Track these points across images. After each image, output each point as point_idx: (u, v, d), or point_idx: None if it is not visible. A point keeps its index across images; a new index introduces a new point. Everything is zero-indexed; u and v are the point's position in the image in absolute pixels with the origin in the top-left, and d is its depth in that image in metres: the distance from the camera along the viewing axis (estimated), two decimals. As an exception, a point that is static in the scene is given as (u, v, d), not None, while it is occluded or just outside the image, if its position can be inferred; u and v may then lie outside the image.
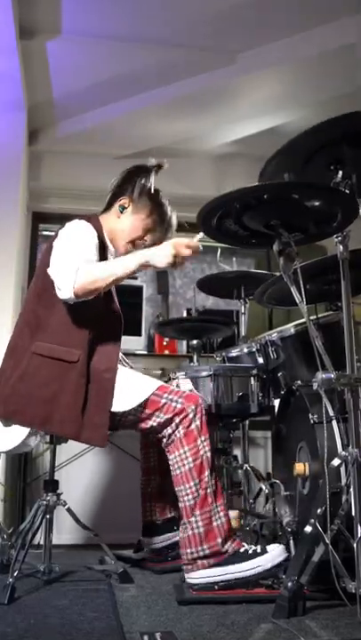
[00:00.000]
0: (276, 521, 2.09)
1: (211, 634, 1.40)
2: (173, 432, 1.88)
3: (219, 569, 1.77)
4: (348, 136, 1.65)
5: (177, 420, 1.87)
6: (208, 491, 1.83)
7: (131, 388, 1.91)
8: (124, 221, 2.05)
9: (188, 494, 1.83)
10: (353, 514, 1.49)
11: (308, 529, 1.54)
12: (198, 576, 1.77)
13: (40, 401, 1.84)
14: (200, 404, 1.91)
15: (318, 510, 1.54)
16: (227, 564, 1.77)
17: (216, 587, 1.74)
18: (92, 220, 2.01)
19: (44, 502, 1.95)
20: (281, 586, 1.57)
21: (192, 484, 1.83)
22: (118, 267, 1.87)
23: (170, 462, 1.90)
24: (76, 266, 1.81)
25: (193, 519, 1.81)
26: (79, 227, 1.95)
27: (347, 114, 1.59)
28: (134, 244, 2.06)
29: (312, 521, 1.53)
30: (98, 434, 1.85)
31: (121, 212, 2.06)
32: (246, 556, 1.78)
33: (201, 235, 1.91)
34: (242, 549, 1.81)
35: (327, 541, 1.47)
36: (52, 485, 1.99)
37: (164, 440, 1.90)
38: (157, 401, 1.90)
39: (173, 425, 1.88)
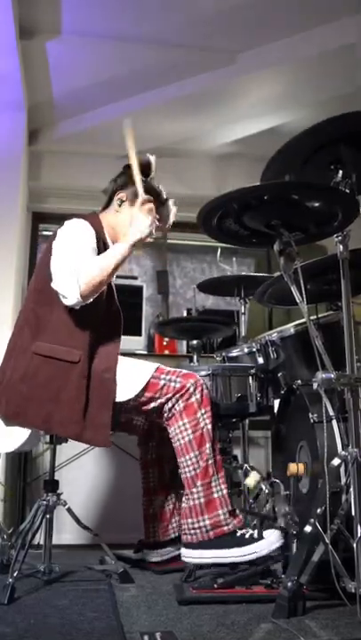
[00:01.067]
0: (276, 521, 2.09)
1: (211, 634, 1.40)
2: (173, 406, 1.91)
3: (215, 551, 1.78)
4: (348, 136, 1.65)
5: (177, 395, 1.90)
6: (209, 462, 1.85)
7: (130, 375, 1.93)
8: (124, 215, 2.06)
9: (188, 465, 1.85)
10: (353, 514, 1.49)
11: (307, 529, 1.54)
12: (194, 555, 1.79)
13: (41, 401, 1.84)
14: (199, 379, 1.94)
15: (318, 510, 1.54)
16: (223, 547, 1.78)
17: (215, 585, 1.74)
18: (91, 218, 2.01)
19: (44, 502, 1.95)
20: (281, 585, 1.57)
21: (192, 455, 1.85)
22: (112, 258, 1.88)
23: (170, 435, 1.92)
24: (76, 270, 1.82)
25: (194, 489, 1.83)
26: (77, 227, 1.96)
27: (346, 114, 1.59)
28: None
29: (312, 521, 1.53)
30: (101, 434, 1.85)
31: (119, 206, 2.07)
32: (243, 541, 1.79)
33: (127, 123, 1.96)
34: (239, 533, 1.81)
35: (327, 541, 1.47)
36: (52, 485, 1.99)
37: (165, 414, 1.93)
38: (156, 383, 1.92)
39: (173, 399, 1.90)
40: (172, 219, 2.13)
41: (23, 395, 1.85)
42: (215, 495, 1.83)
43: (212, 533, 1.80)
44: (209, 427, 1.89)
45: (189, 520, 1.83)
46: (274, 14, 2.98)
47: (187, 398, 1.90)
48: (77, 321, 1.90)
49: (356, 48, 3.06)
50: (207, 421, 1.89)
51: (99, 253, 1.94)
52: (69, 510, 2.01)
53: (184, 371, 1.99)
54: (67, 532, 2.58)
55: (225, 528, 1.81)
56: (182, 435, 1.89)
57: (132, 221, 1.93)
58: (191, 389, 1.91)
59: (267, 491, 2.25)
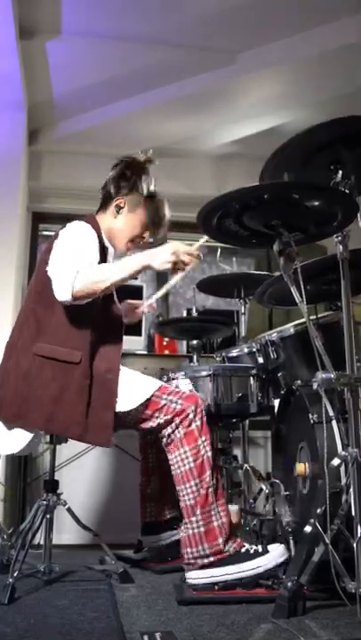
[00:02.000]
0: (277, 521, 2.09)
1: (211, 634, 1.40)
2: (173, 432, 1.88)
3: (219, 569, 1.77)
4: (346, 138, 1.65)
5: (177, 420, 1.88)
6: (209, 490, 1.83)
7: (132, 388, 1.92)
8: (122, 221, 2.05)
9: (188, 494, 1.83)
10: (353, 514, 1.49)
11: (308, 529, 1.54)
12: (198, 576, 1.77)
13: (42, 402, 1.84)
14: (200, 404, 1.91)
15: (318, 510, 1.54)
16: (227, 564, 1.77)
17: (216, 587, 1.74)
18: (91, 221, 2.01)
19: (44, 502, 1.95)
20: (281, 586, 1.57)
21: (193, 483, 1.83)
22: (118, 270, 1.87)
23: (170, 462, 1.90)
24: (75, 268, 1.81)
25: (194, 518, 1.81)
26: (80, 229, 1.95)
27: (343, 117, 1.58)
28: (133, 242, 2.07)
29: (312, 521, 1.53)
30: (103, 434, 1.85)
31: (117, 213, 2.06)
32: (247, 556, 1.78)
33: (204, 239, 1.91)
34: (243, 549, 1.81)
35: (327, 541, 1.47)
36: (52, 485, 1.99)
37: (164, 440, 1.91)
38: (157, 402, 1.90)
39: (173, 425, 1.88)
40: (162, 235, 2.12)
41: (24, 396, 1.85)
42: (215, 524, 1.81)
43: (213, 559, 1.78)
44: (209, 454, 1.86)
45: (189, 549, 1.81)
46: (274, 14, 2.98)
47: (187, 425, 1.87)
48: (77, 322, 1.90)
49: (356, 48, 3.05)
50: (207, 449, 1.87)
51: (99, 256, 1.94)
52: (69, 510, 2.01)
53: (187, 392, 1.96)
54: (67, 532, 2.58)
55: (226, 554, 1.79)
56: (183, 463, 1.86)
57: (161, 250, 1.88)
58: (191, 415, 1.88)
59: (267, 491, 2.26)
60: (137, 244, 2.08)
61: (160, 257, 1.86)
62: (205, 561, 1.78)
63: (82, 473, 2.93)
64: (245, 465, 2.55)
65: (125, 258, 1.96)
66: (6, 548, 2.06)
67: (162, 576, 2.04)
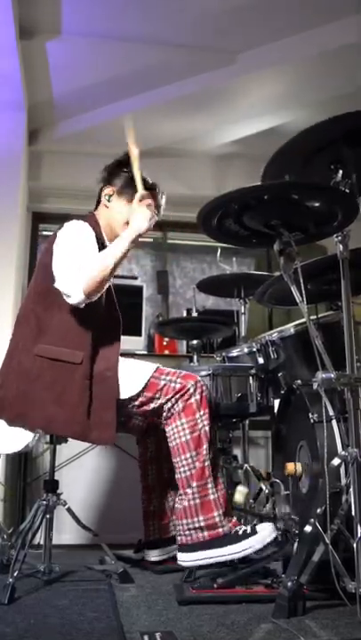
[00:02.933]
0: (276, 521, 2.09)
1: (211, 634, 1.40)
2: (173, 406, 1.91)
3: (209, 551, 1.78)
4: (348, 136, 1.64)
5: (177, 396, 1.90)
6: (206, 464, 1.84)
7: (130, 375, 1.94)
8: (115, 207, 2.07)
9: (184, 465, 1.85)
10: (353, 514, 1.49)
11: (308, 529, 1.54)
12: (190, 558, 1.79)
13: (44, 403, 1.84)
14: (199, 380, 1.94)
15: (318, 510, 1.54)
16: (218, 547, 1.78)
17: (215, 585, 1.74)
18: (89, 219, 2.02)
19: (44, 502, 1.95)
20: (281, 585, 1.57)
21: (188, 455, 1.85)
22: (114, 253, 1.88)
23: (167, 434, 1.92)
24: (78, 269, 1.82)
25: (189, 490, 1.83)
26: (77, 228, 1.96)
27: (346, 113, 1.58)
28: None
29: (312, 521, 1.53)
30: (106, 433, 1.86)
31: (108, 201, 2.08)
32: (237, 538, 1.79)
33: (129, 119, 1.95)
34: (232, 531, 1.81)
35: (327, 541, 1.47)
36: (52, 485, 1.99)
37: (164, 414, 1.93)
38: (156, 383, 1.93)
39: (173, 400, 1.91)
40: (162, 210, 2.12)
41: (26, 397, 1.86)
42: (211, 497, 1.83)
43: (207, 534, 1.80)
44: (207, 428, 1.89)
45: (184, 521, 1.82)
46: (274, 14, 2.98)
47: (186, 399, 1.90)
48: (78, 322, 1.91)
49: (356, 48, 3.05)
50: (205, 423, 1.89)
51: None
52: (69, 510, 2.01)
53: (184, 372, 1.99)
54: (67, 532, 2.58)
55: (220, 530, 1.80)
56: (179, 434, 1.89)
57: (130, 217, 1.92)
58: (191, 390, 1.91)
59: (267, 491, 2.26)
60: None
61: (138, 219, 1.89)
62: (200, 535, 1.79)
63: (82, 473, 2.93)
64: (245, 465, 2.55)
65: (114, 241, 1.95)
66: (6, 548, 2.06)
67: (162, 576, 2.04)
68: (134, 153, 1.97)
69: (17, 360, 1.92)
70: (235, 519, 1.87)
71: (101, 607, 1.62)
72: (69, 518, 2.03)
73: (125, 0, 2.89)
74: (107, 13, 2.96)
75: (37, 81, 3.36)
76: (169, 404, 1.92)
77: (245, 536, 1.79)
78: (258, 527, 1.82)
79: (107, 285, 1.90)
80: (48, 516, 1.95)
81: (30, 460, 2.98)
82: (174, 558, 2.05)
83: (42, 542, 1.97)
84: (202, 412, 1.90)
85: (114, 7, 2.91)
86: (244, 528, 1.82)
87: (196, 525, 1.80)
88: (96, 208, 2.13)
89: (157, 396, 1.93)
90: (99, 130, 3.72)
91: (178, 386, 1.92)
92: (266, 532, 1.79)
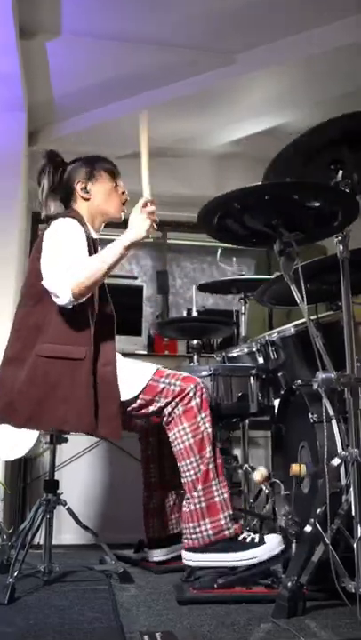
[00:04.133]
0: (276, 521, 2.09)
1: (211, 634, 1.40)
2: (173, 410, 1.90)
3: (215, 554, 1.78)
4: (349, 136, 1.65)
5: (177, 399, 1.90)
6: (210, 466, 1.85)
7: (129, 377, 1.93)
8: (96, 195, 2.08)
9: (189, 469, 1.85)
10: (353, 514, 1.49)
11: (308, 529, 1.54)
12: (195, 558, 1.79)
13: (54, 402, 1.83)
14: (199, 382, 1.93)
15: (318, 510, 1.54)
16: (224, 551, 1.78)
17: (215, 585, 1.74)
18: (75, 215, 2.01)
19: (44, 502, 1.95)
20: (281, 585, 1.57)
21: (193, 459, 1.85)
22: (107, 258, 1.86)
23: (170, 439, 1.92)
24: (67, 269, 1.81)
25: (195, 494, 1.83)
26: (64, 226, 1.94)
27: (347, 114, 1.58)
28: (120, 201, 2.12)
29: (312, 521, 1.53)
30: (113, 426, 1.85)
31: (86, 192, 2.08)
32: (244, 546, 1.79)
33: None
34: (240, 536, 1.82)
35: (327, 541, 1.47)
36: (52, 485, 1.99)
37: (165, 419, 1.92)
38: (155, 386, 1.92)
39: (173, 403, 1.90)
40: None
41: (34, 399, 1.83)
42: (216, 499, 1.83)
43: (214, 538, 1.81)
44: (209, 430, 1.89)
45: (190, 524, 1.83)
46: (274, 14, 2.98)
47: (186, 402, 1.89)
48: (77, 318, 1.89)
49: (356, 48, 3.05)
50: (207, 425, 1.89)
51: (88, 248, 1.93)
52: (69, 510, 2.01)
53: (184, 374, 1.98)
54: (67, 532, 2.58)
55: (226, 532, 1.81)
56: (182, 439, 1.88)
57: (130, 222, 1.91)
58: (191, 393, 1.90)
59: (267, 491, 2.25)
60: (123, 201, 2.12)
61: (137, 226, 1.88)
62: (206, 538, 1.79)
63: (82, 473, 2.93)
64: (245, 465, 2.55)
65: (110, 244, 1.95)
66: (6, 548, 2.06)
67: (162, 576, 2.04)
68: (145, 152, 1.96)
69: (15, 363, 1.89)
70: (240, 522, 1.87)
71: (101, 607, 1.62)
72: (69, 518, 2.03)
73: (125, 0, 2.88)
74: (107, 13, 2.95)
75: (37, 81, 3.36)
76: (169, 408, 1.91)
77: (253, 545, 1.79)
78: (266, 538, 1.82)
79: (96, 287, 1.88)
80: (48, 516, 1.95)
81: (30, 460, 2.98)
82: (177, 558, 2.05)
83: (42, 542, 1.97)
84: (203, 415, 1.89)
85: (114, 7, 2.91)
86: (252, 536, 1.82)
87: (203, 528, 1.80)
88: (68, 206, 2.11)
89: (157, 398, 1.92)
90: (99, 130, 3.72)
91: (177, 389, 1.91)
92: (273, 544, 1.79)
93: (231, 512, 1.84)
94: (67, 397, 1.83)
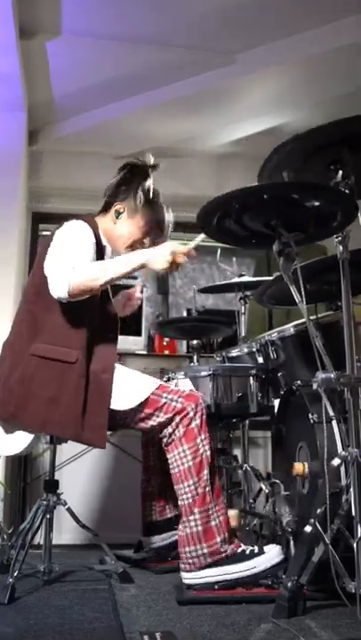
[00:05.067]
0: (277, 521, 2.09)
1: (211, 634, 1.40)
2: (173, 431, 1.88)
3: (215, 569, 1.77)
4: (348, 139, 1.64)
5: (177, 419, 1.88)
6: (207, 489, 1.83)
7: (131, 387, 1.92)
8: (122, 227, 2.05)
9: (186, 492, 1.84)
10: (353, 514, 1.49)
11: (308, 529, 1.54)
12: (195, 576, 1.78)
13: (39, 403, 1.84)
14: (200, 402, 1.92)
15: (318, 510, 1.54)
16: (223, 565, 1.78)
17: (216, 586, 1.74)
18: (88, 220, 2.00)
19: (44, 502, 1.95)
20: (281, 585, 1.57)
21: (191, 482, 1.84)
22: (114, 267, 1.86)
23: (169, 460, 1.90)
24: (71, 265, 1.81)
25: (192, 517, 1.82)
26: (76, 227, 1.95)
27: (347, 118, 1.58)
28: (133, 247, 2.06)
29: (312, 521, 1.53)
30: (98, 435, 1.85)
31: (117, 218, 2.05)
32: (243, 557, 1.79)
33: (202, 236, 1.91)
34: (239, 550, 1.81)
35: (327, 541, 1.47)
36: (52, 485, 1.99)
37: (165, 439, 1.91)
38: (157, 400, 1.90)
39: (174, 424, 1.88)
40: (171, 226, 2.12)
41: (21, 396, 1.85)
42: (212, 523, 1.81)
43: (210, 560, 1.79)
44: (208, 453, 1.87)
45: (187, 548, 1.81)
46: (274, 14, 2.98)
47: (187, 424, 1.88)
48: (74, 321, 1.89)
49: (356, 48, 3.05)
50: (206, 447, 1.87)
51: (96, 254, 1.94)
52: (69, 510, 2.01)
53: (187, 391, 1.96)
54: (67, 532, 2.58)
55: (223, 555, 1.80)
56: (182, 461, 1.87)
57: (158, 247, 1.88)
58: (191, 414, 1.88)
59: (267, 491, 2.26)
60: (136, 249, 2.05)
61: (158, 257, 1.85)
62: (202, 561, 1.78)
63: (82, 473, 2.93)
64: (245, 465, 2.55)
65: (123, 255, 1.96)
66: (6, 548, 2.06)
67: (162, 576, 2.05)
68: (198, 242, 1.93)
69: (11, 359, 1.91)
70: (236, 541, 1.85)
71: (101, 607, 1.62)
72: (69, 518, 2.03)
73: (125, 0, 2.88)
74: (107, 13, 2.95)
75: (37, 81, 3.36)
76: (170, 429, 1.89)
77: (252, 555, 1.79)
78: (265, 548, 1.81)
79: (92, 293, 1.86)
80: (48, 516, 1.95)
81: (30, 460, 2.98)
82: (175, 544, 2.05)
83: (42, 542, 1.97)
84: (203, 437, 1.88)
85: (114, 7, 2.91)
86: (251, 548, 1.82)
87: (200, 552, 1.79)
88: (100, 212, 2.09)
89: (157, 413, 1.90)
90: (99, 130, 3.73)
91: (178, 406, 1.89)
92: (273, 554, 1.79)
93: (227, 535, 1.82)
94: (53, 399, 1.83)
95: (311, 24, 3.06)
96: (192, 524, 1.81)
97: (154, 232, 2.06)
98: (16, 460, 2.96)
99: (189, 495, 1.83)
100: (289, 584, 1.51)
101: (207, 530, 1.80)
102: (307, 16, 3.00)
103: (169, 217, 2.10)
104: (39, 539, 1.98)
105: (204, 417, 1.91)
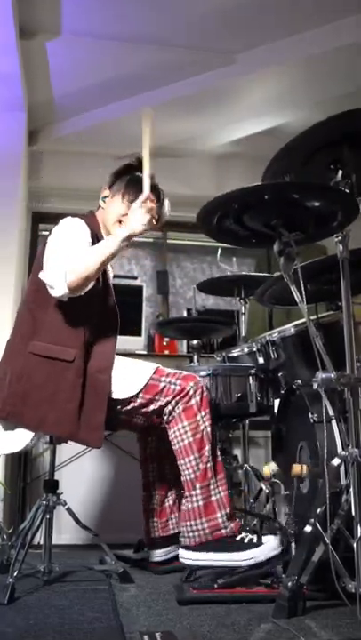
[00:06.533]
0: (276, 521, 2.09)
1: (211, 634, 1.40)
2: (173, 409, 1.91)
3: (212, 554, 1.78)
4: (349, 135, 1.64)
5: (177, 398, 1.91)
6: (208, 465, 1.86)
7: (129, 375, 1.93)
8: (109, 208, 2.07)
9: (188, 468, 1.86)
10: (353, 514, 1.49)
11: (308, 529, 1.54)
12: (192, 557, 1.80)
13: (37, 402, 1.84)
14: (199, 381, 1.94)
15: (318, 510, 1.54)
16: (221, 551, 1.78)
17: (215, 585, 1.74)
18: (86, 217, 2.02)
19: (44, 502, 1.95)
20: (281, 585, 1.57)
21: (192, 457, 1.86)
22: (104, 249, 1.86)
23: (170, 437, 1.92)
24: (65, 262, 1.81)
25: (193, 492, 1.84)
26: (70, 224, 1.96)
27: (347, 111, 1.58)
28: (121, 223, 2.03)
29: (312, 521, 1.53)
30: (94, 435, 1.86)
31: (103, 202, 2.08)
32: (242, 546, 1.80)
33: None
34: (239, 537, 1.82)
35: (327, 541, 1.47)
36: (52, 485, 1.99)
37: (165, 417, 1.93)
38: (156, 385, 1.92)
39: (173, 402, 1.91)
40: (165, 218, 2.11)
41: (19, 395, 1.85)
42: (213, 498, 1.84)
43: (211, 536, 1.81)
44: (208, 429, 1.89)
45: (188, 523, 1.84)
46: (274, 14, 2.98)
47: (186, 401, 1.91)
48: (72, 319, 1.90)
49: (356, 48, 3.05)
50: (207, 424, 1.90)
51: None
52: (69, 510, 2.01)
53: (184, 372, 1.99)
54: (67, 532, 2.58)
55: (223, 531, 1.81)
56: (182, 437, 1.89)
57: (128, 216, 1.91)
58: (191, 392, 1.91)
59: (267, 491, 2.25)
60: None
61: (133, 221, 1.86)
62: (203, 536, 1.79)
63: (82, 473, 2.93)
64: (245, 465, 2.55)
65: (106, 238, 1.96)
66: (6, 548, 2.06)
67: (162, 576, 2.04)
68: (147, 150, 1.93)
69: (12, 358, 1.92)
70: (238, 521, 1.87)
71: (101, 607, 1.62)
72: (69, 518, 2.03)
73: (125, 0, 2.89)
74: (107, 13, 2.96)
75: (37, 81, 3.36)
76: (170, 407, 1.91)
77: (251, 545, 1.80)
78: (264, 539, 1.82)
79: (92, 283, 1.86)
80: (48, 516, 1.95)
81: (30, 460, 2.98)
82: (177, 558, 2.05)
83: (42, 542, 1.97)
84: (203, 414, 1.90)
85: (114, 7, 2.91)
86: (250, 537, 1.83)
87: (200, 527, 1.81)
88: (98, 208, 2.13)
89: (157, 397, 1.93)
90: (99, 130, 3.73)
91: (178, 387, 1.92)
92: (271, 545, 1.80)
93: (229, 511, 1.85)
94: (50, 399, 1.84)
95: (311, 24, 3.06)
96: (193, 499, 1.84)
97: (135, 195, 1.97)
98: (16, 460, 2.96)
99: (191, 471, 1.85)
100: (289, 584, 1.50)
101: (208, 505, 1.82)
102: (307, 16, 3.00)
103: (167, 207, 2.09)
104: (39, 539, 1.98)
105: (205, 394, 1.93)
